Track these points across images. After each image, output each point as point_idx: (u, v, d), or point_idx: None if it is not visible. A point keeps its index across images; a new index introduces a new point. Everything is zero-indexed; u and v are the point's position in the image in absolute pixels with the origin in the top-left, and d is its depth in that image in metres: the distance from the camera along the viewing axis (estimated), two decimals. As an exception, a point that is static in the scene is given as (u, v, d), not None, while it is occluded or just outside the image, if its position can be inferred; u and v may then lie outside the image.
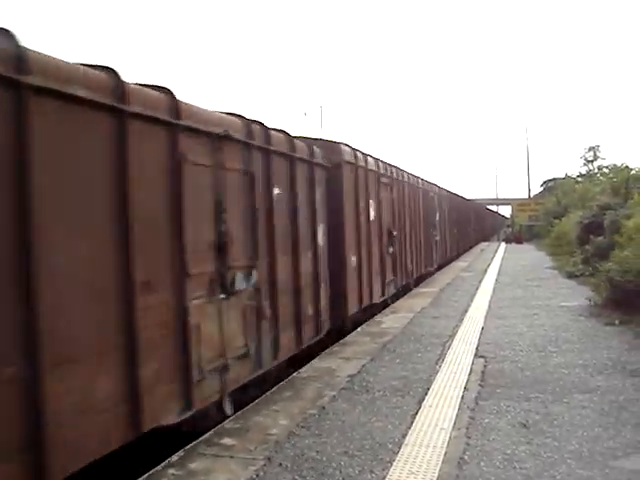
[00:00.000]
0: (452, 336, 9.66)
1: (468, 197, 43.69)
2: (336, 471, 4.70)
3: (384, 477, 4.57)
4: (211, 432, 5.59)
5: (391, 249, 13.43)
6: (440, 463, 4.76)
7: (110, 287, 4.45)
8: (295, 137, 8.38)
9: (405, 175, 15.93)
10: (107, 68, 4.57)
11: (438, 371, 7.54)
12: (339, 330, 9.93)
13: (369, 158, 12.09)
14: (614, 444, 5.02)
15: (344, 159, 10.31)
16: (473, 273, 20.62)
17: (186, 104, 5.59)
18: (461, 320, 11.14)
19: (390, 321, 11.41)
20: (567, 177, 47.84)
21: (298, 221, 8.09)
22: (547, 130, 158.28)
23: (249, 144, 6.76)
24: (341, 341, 9.61)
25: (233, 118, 6.69)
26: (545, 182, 66.02)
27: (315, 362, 8.28)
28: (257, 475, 4.66)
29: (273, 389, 6.98)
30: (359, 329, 10.61)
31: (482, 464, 4.72)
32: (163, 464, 4.88)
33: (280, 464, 4.83)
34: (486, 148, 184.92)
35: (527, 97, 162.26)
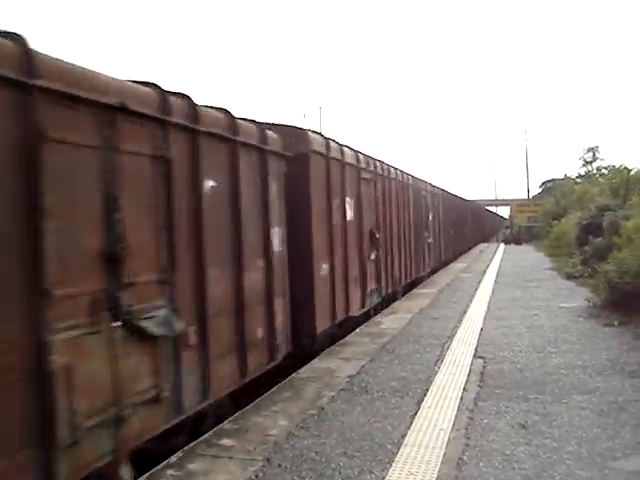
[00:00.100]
0: (451, 337, 9.66)
1: (467, 198, 43.73)
2: (335, 472, 4.70)
3: (383, 478, 4.57)
4: (210, 433, 5.59)
5: (374, 254, 11.98)
6: (439, 464, 4.76)
7: None
8: (243, 119, 6.92)
9: (392, 171, 14.40)
10: None
11: (437, 372, 7.54)
12: (306, 351, 8.55)
13: (346, 150, 10.69)
14: (613, 445, 5.03)
15: (312, 149, 8.82)
16: (472, 274, 20.62)
17: (48, 57, 4.10)
18: (460, 321, 11.14)
19: (389, 322, 11.41)
20: (566, 178, 47.87)
21: (242, 223, 6.53)
22: (546, 131, 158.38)
23: (164, 121, 5.21)
24: (340, 341, 9.61)
25: (139, 87, 5.16)
26: (544, 183, 66.04)
27: (314, 363, 8.28)
28: (256, 476, 4.66)
29: (272, 389, 6.98)
30: (358, 330, 10.61)
31: (481, 465, 4.72)
32: (162, 465, 4.88)
33: (279, 465, 4.83)
34: (485, 149, 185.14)
35: (526, 98, 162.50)
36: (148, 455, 4.99)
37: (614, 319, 10.37)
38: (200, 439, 5.42)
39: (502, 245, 42.29)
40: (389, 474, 4.62)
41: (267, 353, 7.20)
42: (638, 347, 8.54)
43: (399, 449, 5.10)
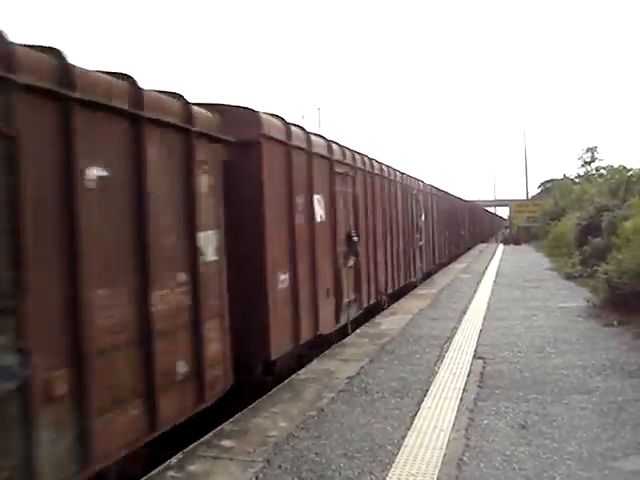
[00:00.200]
0: (451, 337, 9.66)
1: (467, 198, 43.75)
2: (335, 473, 4.70)
3: (384, 479, 4.57)
4: (210, 434, 5.59)
5: (352, 260, 10.43)
6: (439, 464, 4.76)
7: None
8: (159, 91, 5.39)
9: (375, 165, 12.75)
10: None
11: (437, 372, 7.54)
12: (257, 383, 7.13)
13: (315, 138, 9.02)
14: (613, 445, 5.03)
15: (265, 134, 7.18)
16: (471, 274, 20.62)
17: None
18: (460, 321, 11.14)
19: (389, 322, 11.41)
20: (565, 178, 47.90)
21: (149, 225, 4.92)
22: (545, 131, 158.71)
23: (5, 80, 3.61)
24: (340, 342, 9.61)
25: None
26: (543, 183, 66.14)
27: (314, 364, 8.27)
28: (256, 477, 4.65)
29: (272, 391, 6.98)
30: (358, 330, 10.61)
31: (481, 465, 4.72)
32: (162, 466, 4.88)
33: (279, 466, 4.83)
34: (484, 150, 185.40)
35: (525, 99, 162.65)
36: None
37: (613, 319, 10.38)
38: (200, 440, 5.41)
39: (501, 245, 42.32)
40: (389, 475, 4.62)
41: (193, 393, 5.48)
42: (637, 347, 8.54)
43: (399, 450, 5.09)
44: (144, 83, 4.95)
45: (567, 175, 49.26)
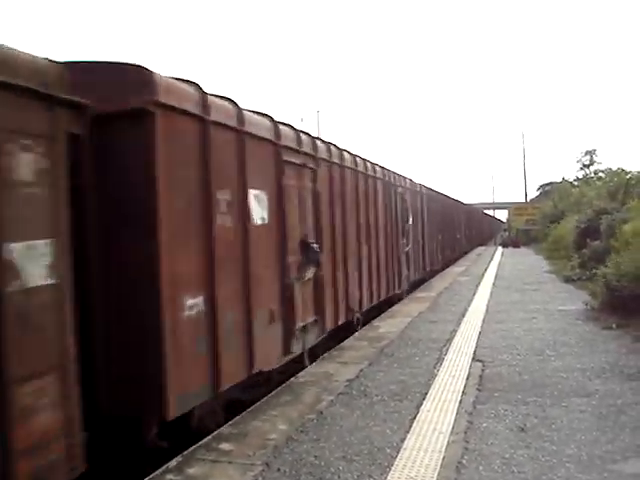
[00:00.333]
0: (450, 340, 9.66)
1: (466, 201, 43.80)
2: (335, 476, 4.69)
3: (383, 482, 4.56)
4: (209, 437, 5.58)
5: (310, 272, 8.41)
6: (439, 467, 4.76)
7: None
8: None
9: (347, 157, 10.78)
10: None
11: (436, 375, 7.54)
12: (145, 458, 5.13)
13: (250, 116, 6.90)
14: (612, 448, 5.03)
15: (161, 101, 5.14)
16: (470, 277, 20.62)
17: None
18: (459, 324, 11.14)
19: (387, 325, 11.40)
20: (564, 181, 47.97)
21: None
22: (544, 134, 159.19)
23: None
24: (339, 345, 9.60)
25: None
26: (542, 186, 66.22)
27: (313, 367, 8.27)
28: (256, 480, 4.65)
29: (271, 394, 6.97)
30: (356, 333, 10.60)
31: (481, 468, 4.72)
32: (161, 469, 4.87)
33: (278, 469, 4.82)
34: (483, 153, 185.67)
35: (524, 102, 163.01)
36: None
37: (612, 322, 10.37)
38: (199, 443, 5.41)
39: (500, 248, 42.37)
40: (388, 478, 4.61)
41: None
42: (637, 350, 8.54)
43: (398, 453, 5.09)
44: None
45: (566, 178, 49.42)
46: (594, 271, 13.89)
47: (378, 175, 13.10)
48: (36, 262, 3.85)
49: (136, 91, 5.02)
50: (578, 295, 14.19)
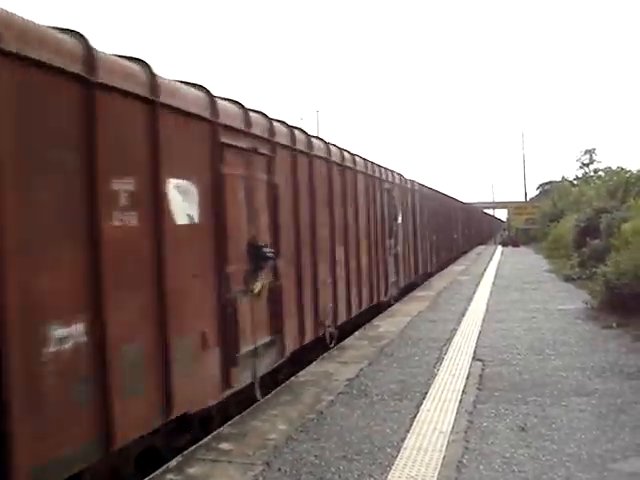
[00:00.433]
0: (450, 339, 9.66)
1: (465, 200, 43.79)
2: (335, 475, 4.69)
3: (383, 481, 4.56)
4: (209, 437, 5.58)
5: (260, 283, 6.80)
6: (439, 467, 4.76)
7: None
8: None
9: (317, 144, 9.25)
10: None
11: (436, 375, 7.54)
12: None
13: (168, 83, 5.38)
14: (612, 447, 5.03)
15: None
16: (470, 277, 20.63)
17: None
18: (459, 323, 11.14)
19: (387, 325, 11.40)
20: (563, 180, 48.02)
21: None
22: (543, 133, 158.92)
23: None
24: (339, 345, 9.60)
25: None
26: (541, 185, 66.28)
27: (313, 366, 8.27)
28: (256, 480, 4.65)
29: (271, 394, 6.97)
30: (356, 333, 10.60)
31: (481, 467, 4.72)
32: (162, 469, 4.87)
33: (279, 469, 4.82)
34: (483, 152, 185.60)
35: (523, 101, 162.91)
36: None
37: (612, 321, 10.38)
38: (199, 443, 5.41)
39: (500, 247, 42.42)
40: (389, 477, 4.61)
41: None
42: (636, 349, 8.55)
43: (399, 452, 5.09)
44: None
45: (565, 177, 49.48)
46: (594, 270, 13.90)
47: (359, 168, 11.60)
48: None
49: None
50: (578, 294, 14.19)
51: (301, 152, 8.51)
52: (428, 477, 4.58)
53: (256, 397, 6.64)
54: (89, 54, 4.36)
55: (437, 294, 15.99)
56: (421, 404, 6.38)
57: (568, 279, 17.60)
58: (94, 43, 4.41)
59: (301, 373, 7.87)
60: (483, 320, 11.46)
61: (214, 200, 5.96)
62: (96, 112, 4.36)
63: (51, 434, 3.81)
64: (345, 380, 7.43)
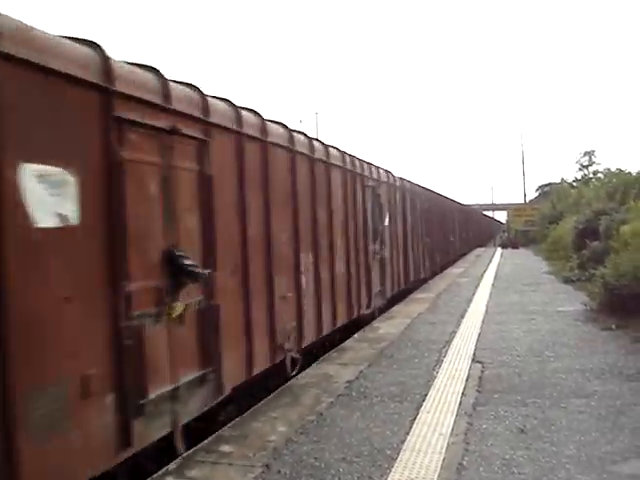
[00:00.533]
0: (449, 342, 9.66)
1: (465, 202, 43.80)
2: (335, 477, 4.70)
3: (383, 483, 4.57)
4: (209, 439, 5.58)
5: (183, 301, 5.20)
6: (439, 469, 4.76)
7: None
8: None
9: (275, 131, 7.67)
10: None
11: (436, 377, 7.54)
12: None
13: (13, 25, 3.72)
14: (612, 449, 5.03)
15: None
16: (469, 279, 20.63)
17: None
18: (458, 325, 11.15)
19: (387, 327, 11.41)
20: (563, 182, 48.02)
21: None
22: (542, 135, 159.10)
23: None
24: (339, 347, 9.60)
25: None
26: (541, 187, 66.23)
27: (313, 368, 8.27)
28: (256, 482, 4.65)
29: (271, 395, 6.97)
30: (356, 335, 10.60)
31: (481, 469, 4.72)
32: (161, 472, 4.87)
33: (279, 471, 4.83)
34: (482, 155, 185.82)
35: (523, 102, 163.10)
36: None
37: (611, 323, 10.38)
38: (199, 445, 5.41)
39: (499, 249, 42.41)
40: (389, 479, 4.62)
41: None
42: (636, 351, 8.55)
43: (398, 454, 5.09)
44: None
45: (565, 179, 49.47)
46: (593, 272, 13.90)
47: (334, 161, 9.90)
48: None
49: None
50: (577, 296, 14.20)
51: (250, 137, 6.84)
52: (428, 479, 4.59)
53: (178, 451, 5.12)
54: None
55: (437, 296, 16.00)
56: (421, 406, 6.38)
57: (567, 281, 17.60)
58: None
59: (301, 375, 7.87)
60: (482, 322, 11.46)
61: (107, 194, 4.41)
62: None
63: None
64: (345, 382, 7.44)
